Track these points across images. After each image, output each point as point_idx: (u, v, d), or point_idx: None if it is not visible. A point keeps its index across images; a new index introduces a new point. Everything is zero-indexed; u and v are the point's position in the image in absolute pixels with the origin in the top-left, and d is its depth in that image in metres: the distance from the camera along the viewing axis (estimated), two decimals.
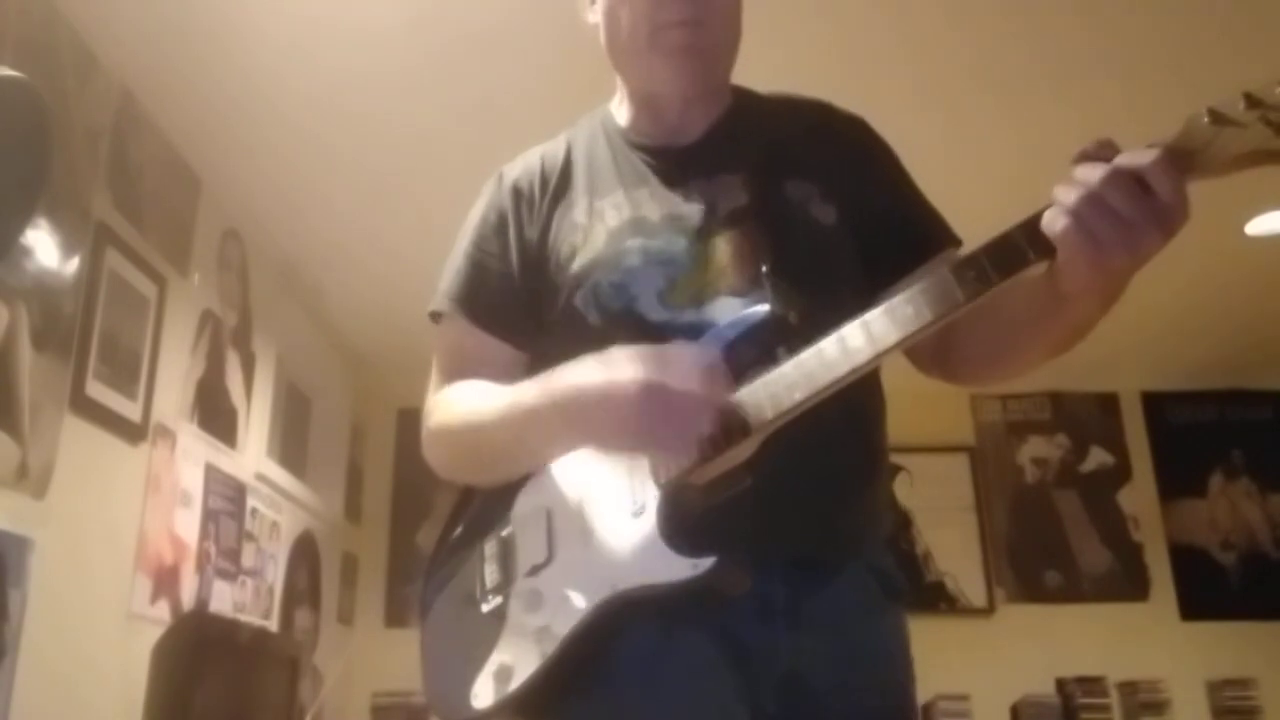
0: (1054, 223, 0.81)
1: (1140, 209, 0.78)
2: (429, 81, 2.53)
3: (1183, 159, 0.78)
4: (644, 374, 0.90)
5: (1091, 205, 0.78)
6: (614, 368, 0.92)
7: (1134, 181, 0.78)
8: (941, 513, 4.50)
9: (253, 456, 3.20)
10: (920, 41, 2.43)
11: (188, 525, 2.71)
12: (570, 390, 0.95)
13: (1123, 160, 0.79)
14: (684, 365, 0.91)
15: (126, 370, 2.43)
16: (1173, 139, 0.78)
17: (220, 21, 2.30)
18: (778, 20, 2.21)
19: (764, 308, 0.97)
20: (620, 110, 1.24)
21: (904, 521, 4.47)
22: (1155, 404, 4.71)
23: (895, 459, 4.47)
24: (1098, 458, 4.67)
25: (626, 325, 1.04)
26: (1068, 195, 0.80)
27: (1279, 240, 3.40)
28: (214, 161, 2.83)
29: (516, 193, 1.19)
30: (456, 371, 1.16)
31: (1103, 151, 0.81)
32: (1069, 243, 0.80)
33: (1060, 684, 4.14)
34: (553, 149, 1.23)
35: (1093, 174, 0.79)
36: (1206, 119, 0.76)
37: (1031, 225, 0.83)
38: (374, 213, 3.08)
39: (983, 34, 2.42)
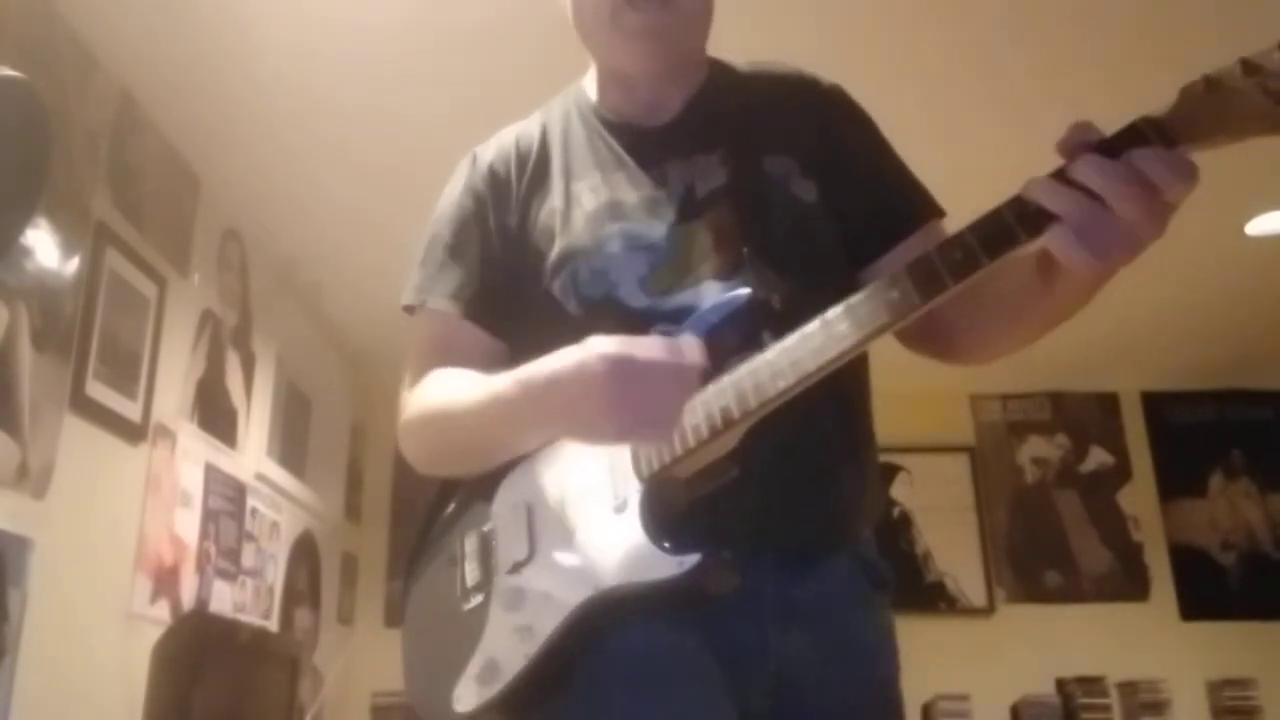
0: (1063, 240, 0.76)
1: (1148, 214, 0.74)
2: (429, 81, 2.53)
3: (1178, 130, 0.75)
4: (612, 349, 0.87)
5: (1091, 211, 0.75)
6: (585, 351, 0.89)
7: (1151, 191, 0.74)
8: (941, 513, 4.50)
9: (253, 456, 3.20)
10: (902, 26, 2.42)
11: (188, 525, 2.71)
12: (541, 375, 0.92)
13: (1144, 167, 0.74)
14: (654, 341, 0.88)
15: (126, 370, 2.43)
16: (1168, 109, 0.76)
17: (220, 22, 2.30)
18: (758, 10, 2.21)
19: (745, 291, 0.94)
20: (593, 87, 1.20)
21: (904, 521, 4.48)
22: (1155, 404, 4.72)
23: (895, 459, 4.49)
24: (1098, 458, 4.67)
25: (607, 313, 1.02)
26: (1063, 201, 0.76)
27: (1279, 240, 3.41)
28: (214, 161, 2.83)
29: (492, 175, 1.15)
30: (433, 363, 1.12)
31: (1083, 136, 0.77)
32: (1068, 250, 0.76)
33: (1060, 684, 4.15)
34: (527, 129, 1.19)
35: (1106, 183, 0.75)
36: (1203, 87, 0.74)
37: (1020, 204, 0.80)
38: (374, 212, 3.08)
39: (967, 27, 2.42)
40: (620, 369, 0.86)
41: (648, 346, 0.88)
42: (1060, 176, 0.77)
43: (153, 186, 2.61)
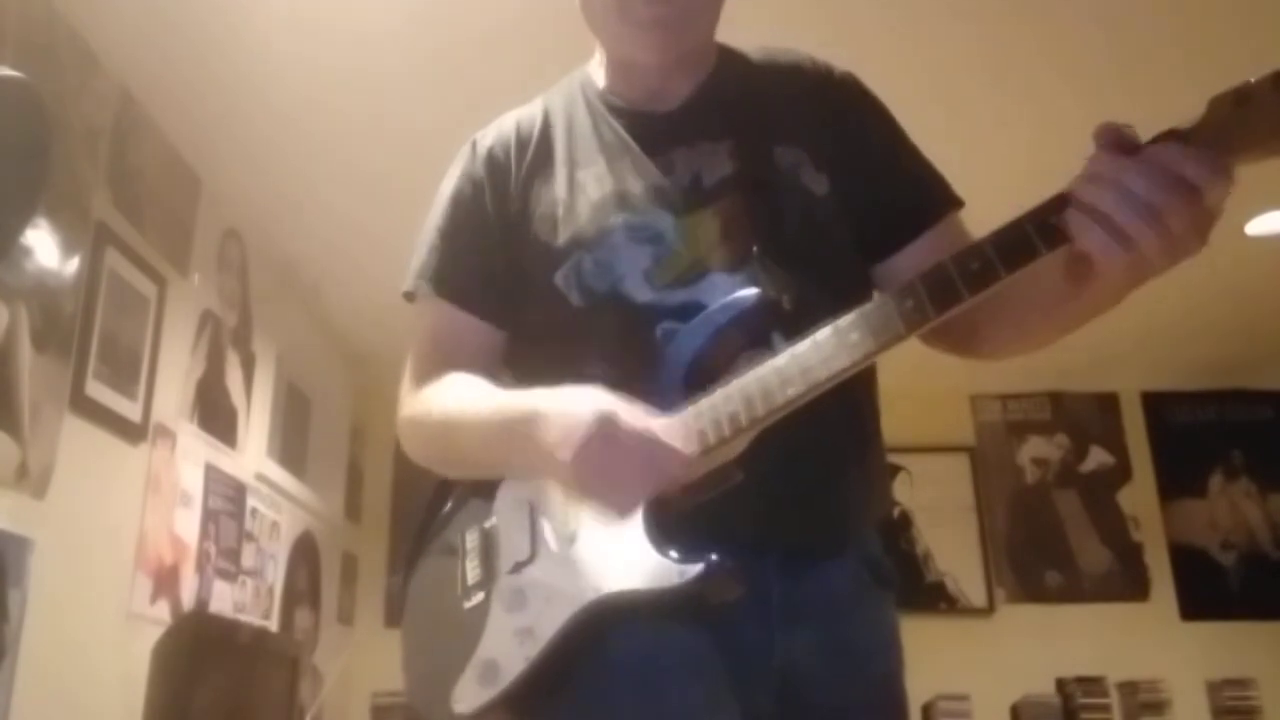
0: (1101, 242, 0.74)
1: (1190, 223, 0.72)
2: (428, 81, 2.53)
3: (1206, 145, 0.72)
4: (603, 408, 0.87)
5: (1149, 223, 0.72)
6: (581, 399, 0.88)
7: (1195, 195, 0.71)
8: (941, 513, 4.50)
9: (253, 456, 3.20)
10: (918, 20, 2.41)
11: (188, 525, 2.71)
12: (530, 410, 0.92)
13: (1185, 171, 0.72)
14: (650, 419, 0.87)
15: (126, 370, 2.42)
16: (1196, 122, 0.73)
17: (220, 22, 2.30)
18: (778, 16, 2.20)
19: (754, 291, 0.92)
20: (599, 73, 1.17)
21: (904, 521, 4.47)
22: (1155, 404, 4.71)
23: (895, 459, 4.48)
24: (1098, 458, 4.67)
25: (611, 306, 1.00)
26: (1104, 198, 0.73)
27: (1279, 240, 3.40)
28: (214, 161, 2.83)
29: (492, 161, 1.13)
30: (434, 353, 1.11)
31: (1119, 135, 0.75)
32: (1116, 263, 0.74)
33: (1060, 684, 4.14)
34: (529, 114, 1.17)
35: (1153, 190, 0.72)
36: (1232, 100, 0.72)
37: (1042, 215, 0.78)
38: (374, 212, 3.07)
39: (988, 23, 2.41)
40: (602, 432, 0.86)
41: (643, 420, 0.87)
42: (1100, 177, 0.75)
43: (153, 186, 2.61)
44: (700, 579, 0.86)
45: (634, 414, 0.88)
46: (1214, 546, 4.54)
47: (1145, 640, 4.31)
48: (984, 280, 0.80)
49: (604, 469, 0.86)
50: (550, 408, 0.90)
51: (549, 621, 0.92)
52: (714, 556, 0.86)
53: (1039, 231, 0.78)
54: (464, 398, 1.04)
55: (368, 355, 4.15)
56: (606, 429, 0.86)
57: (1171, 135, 0.74)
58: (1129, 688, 4.12)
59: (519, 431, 0.93)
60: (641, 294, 1.01)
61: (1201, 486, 4.61)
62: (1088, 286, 0.82)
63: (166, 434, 2.60)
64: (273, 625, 3.30)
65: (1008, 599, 4.44)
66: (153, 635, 2.38)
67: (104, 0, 2.20)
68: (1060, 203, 0.78)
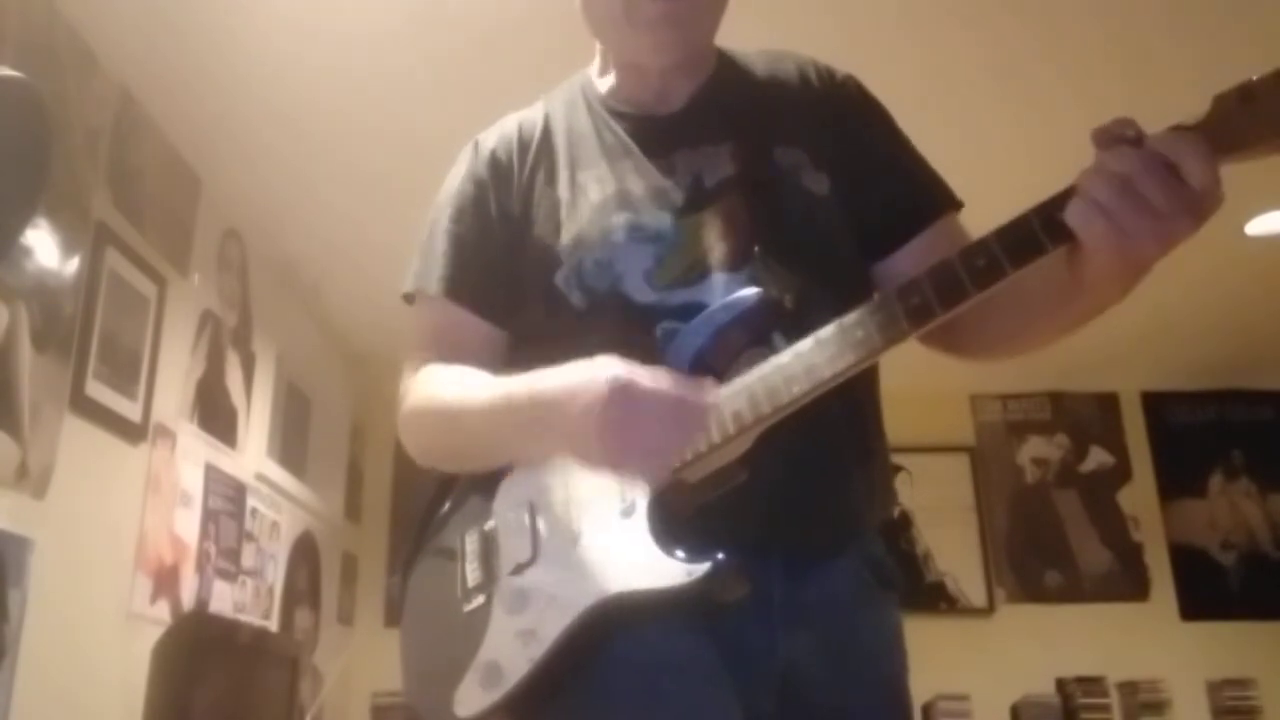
0: (1081, 215, 0.75)
1: (1174, 199, 0.73)
2: (428, 81, 2.53)
3: (1213, 140, 0.73)
4: (619, 373, 0.86)
5: (1123, 197, 0.73)
6: (595, 370, 0.87)
7: (1168, 170, 0.72)
8: (941, 513, 4.50)
9: (253, 456, 3.20)
10: (923, 26, 2.42)
11: (188, 525, 2.71)
12: (550, 387, 0.90)
13: (1158, 146, 0.73)
14: (666, 374, 0.86)
15: (126, 370, 2.42)
16: (1200, 119, 0.73)
17: (220, 22, 2.30)
18: (781, 14, 2.21)
19: (755, 291, 0.92)
20: (600, 77, 1.18)
21: (904, 521, 4.47)
22: (1155, 404, 4.72)
23: (895, 459, 4.46)
24: (1098, 458, 4.67)
25: (612, 307, 1.00)
26: (1097, 187, 0.75)
27: (1279, 240, 3.40)
28: (214, 161, 2.83)
29: (494, 163, 1.13)
30: (434, 353, 1.10)
31: (1123, 130, 0.76)
32: (1096, 235, 0.75)
33: (1060, 684, 4.15)
34: (530, 116, 1.17)
35: (1124, 163, 0.74)
36: (1237, 97, 0.72)
37: (1048, 211, 0.78)
38: (374, 213, 3.07)
39: (988, 25, 2.41)
40: (621, 395, 0.85)
41: (658, 377, 0.86)
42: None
43: (153, 186, 2.61)
44: (708, 578, 0.85)
45: (648, 375, 0.87)
46: (1214, 546, 4.54)
47: (1145, 640, 4.31)
48: (990, 277, 0.79)
49: (632, 436, 0.85)
50: (562, 385, 0.89)
51: (552, 623, 0.92)
52: (721, 555, 0.86)
53: (1045, 227, 0.78)
54: (468, 387, 1.03)
55: (368, 355, 4.15)
56: (627, 397, 0.85)
57: (1175, 130, 0.74)
58: (1129, 688, 4.13)
59: (533, 414, 0.92)
60: (642, 295, 1.00)
61: (1201, 486, 4.62)
62: (1084, 274, 0.82)
63: (166, 434, 2.60)
64: (273, 625, 3.30)
65: (1008, 599, 4.44)
66: (153, 635, 2.38)
67: (104, 0, 2.20)
68: (1066, 197, 0.78)
